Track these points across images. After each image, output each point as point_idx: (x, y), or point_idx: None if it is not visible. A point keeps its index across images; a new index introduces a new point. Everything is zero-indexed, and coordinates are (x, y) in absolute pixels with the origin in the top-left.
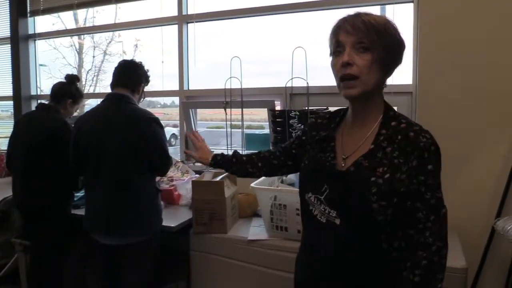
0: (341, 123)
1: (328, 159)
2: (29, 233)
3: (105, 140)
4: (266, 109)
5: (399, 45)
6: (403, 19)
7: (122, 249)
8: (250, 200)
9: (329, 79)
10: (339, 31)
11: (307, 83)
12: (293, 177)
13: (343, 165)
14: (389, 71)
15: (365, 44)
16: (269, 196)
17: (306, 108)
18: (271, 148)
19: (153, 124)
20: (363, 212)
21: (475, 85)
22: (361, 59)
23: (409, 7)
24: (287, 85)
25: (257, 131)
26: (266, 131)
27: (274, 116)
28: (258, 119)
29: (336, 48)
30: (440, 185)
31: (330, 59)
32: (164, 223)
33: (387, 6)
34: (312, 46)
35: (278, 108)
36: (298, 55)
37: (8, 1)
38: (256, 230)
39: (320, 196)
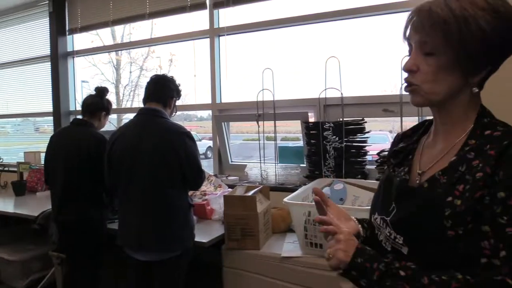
0: (425, 134)
1: (400, 174)
2: (65, 246)
3: (138, 155)
4: (299, 121)
5: (491, 38)
6: None
7: (154, 264)
8: (284, 214)
9: (364, 89)
10: (409, 24)
11: (341, 93)
12: (327, 191)
13: (417, 181)
14: (476, 71)
15: (428, 46)
16: (302, 212)
17: (341, 119)
18: (304, 161)
19: (185, 138)
20: (434, 239)
21: None
22: (425, 63)
23: None
24: (320, 96)
25: (290, 144)
26: (300, 143)
27: (308, 128)
28: (294, 131)
29: (409, 46)
30: None
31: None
32: (197, 238)
33: None
34: (346, 56)
35: (311, 120)
36: (332, 65)
37: (48, 21)
38: (289, 247)
39: (386, 217)
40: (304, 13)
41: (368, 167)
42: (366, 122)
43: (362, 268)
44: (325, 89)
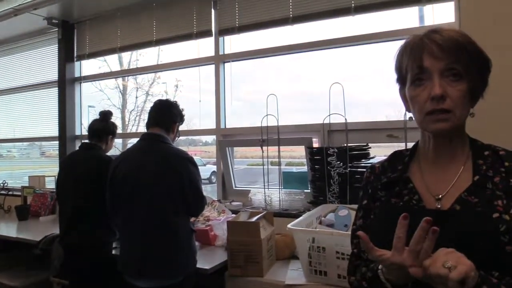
0: (411, 162)
1: (411, 203)
2: (69, 271)
3: (140, 180)
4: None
5: (489, 64)
6: (442, 19)
7: None
8: (288, 241)
9: (367, 115)
10: (423, 53)
11: (345, 119)
12: (331, 217)
13: (438, 206)
14: (478, 98)
15: (457, 71)
16: (306, 238)
17: (345, 145)
18: (309, 186)
19: (187, 164)
20: (491, 257)
21: None
22: (454, 89)
23: (450, 6)
24: (324, 122)
25: (294, 169)
26: (304, 168)
27: (312, 154)
28: (299, 156)
29: (418, 75)
30: None
31: (398, 87)
32: (199, 265)
33: (425, 7)
34: (350, 81)
35: (316, 145)
36: (336, 91)
37: (56, 47)
38: (293, 274)
39: None
40: (307, 40)
41: None
42: (370, 147)
43: (491, 282)
44: (329, 115)
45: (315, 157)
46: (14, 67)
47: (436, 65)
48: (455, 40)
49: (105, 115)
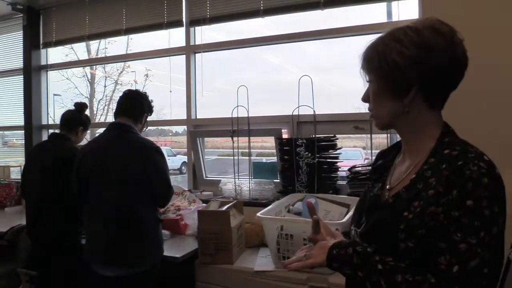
0: (399, 153)
1: (374, 189)
2: (38, 262)
3: (106, 169)
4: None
5: (403, 66)
6: (407, 15)
7: (121, 281)
8: (257, 229)
9: (335, 107)
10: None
11: (314, 111)
12: (299, 206)
13: (386, 196)
14: (402, 94)
15: (367, 78)
16: (275, 226)
17: (313, 136)
18: (278, 176)
19: (154, 153)
20: (390, 251)
21: (486, 88)
22: (370, 92)
23: (415, 2)
24: (294, 113)
25: (264, 159)
26: (274, 159)
27: (281, 144)
28: (270, 147)
29: None
30: (483, 231)
31: None
32: (169, 254)
33: (393, 3)
34: (319, 74)
35: (285, 136)
36: (305, 83)
37: (22, 34)
38: (262, 261)
39: (357, 229)
40: (278, 33)
41: (339, 182)
42: (337, 138)
43: (339, 257)
44: (298, 107)
45: (285, 148)
46: None
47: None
48: (365, 51)
49: (81, 107)
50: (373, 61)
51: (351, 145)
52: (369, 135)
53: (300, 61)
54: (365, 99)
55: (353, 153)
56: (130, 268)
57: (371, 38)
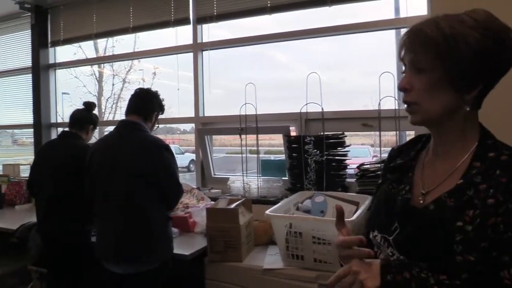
0: (423, 150)
1: (401, 192)
2: (47, 259)
3: (114, 167)
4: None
5: (480, 56)
6: (415, 11)
7: (132, 278)
8: (266, 227)
9: (344, 104)
10: (402, 46)
11: (322, 108)
12: (308, 203)
13: (421, 201)
14: (468, 88)
15: (420, 65)
16: (284, 224)
17: (322, 133)
18: (286, 174)
19: (163, 151)
20: (441, 262)
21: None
22: (419, 81)
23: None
24: (302, 111)
25: (272, 157)
26: (282, 156)
27: (290, 142)
28: (278, 144)
29: (404, 67)
30: None
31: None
32: (178, 251)
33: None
34: (327, 71)
35: (293, 133)
36: (313, 80)
37: (30, 32)
38: (271, 259)
39: (388, 237)
40: (286, 30)
41: (348, 180)
42: (346, 136)
43: (396, 284)
44: (306, 104)
45: (293, 145)
46: None
47: (406, 57)
48: (422, 32)
49: (90, 106)
50: (437, 46)
51: (359, 142)
52: (377, 132)
53: (308, 58)
54: (406, 87)
55: (362, 150)
56: (140, 266)
57: (378, 34)
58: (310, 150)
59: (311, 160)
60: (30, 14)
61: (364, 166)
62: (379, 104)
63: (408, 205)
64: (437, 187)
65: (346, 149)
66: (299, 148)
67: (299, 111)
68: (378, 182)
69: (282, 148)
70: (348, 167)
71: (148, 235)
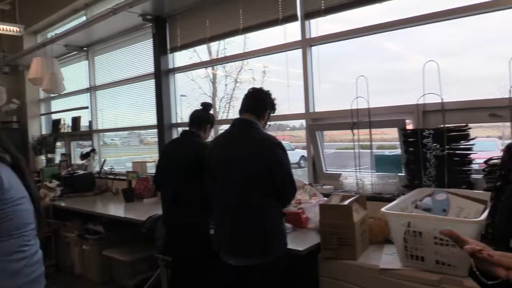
0: None
1: None
2: (172, 249)
3: (231, 163)
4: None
5: None
6: None
7: (247, 270)
8: (382, 225)
9: (465, 94)
10: None
11: (442, 98)
12: (428, 201)
13: None
14: None
15: None
16: (401, 222)
17: (442, 125)
18: (403, 169)
19: (277, 149)
20: None
21: None
22: None
23: None
24: (419, 102)
25: (387, 152)
26: (398, 151)
27: (406, 136)
28: (390, 139)
29: None
30: None
31: None
32: (292, 247)
33: None
34: (445, 59)
35: (409, 127)
36: (430, 70)
37: (151, 41)
38: (388, 258)
39: None
40: (397, 18)
41: (474, 176)
42: (470, 128)
43: None
44: (424, 95)
45: (409, 140)
46: (115, 63)
47: None
48: None
49: (207, 106)
50: None
51: (483, 134)
52: (506, 123)
53: (423, 47)
54: None
55: (488, 143)
56: (253, 259)
57: (502, 15)
58: (429, 144)
59: (430, 155)
60: (151, 24)
61: (493, 161)
62: (510, 91)
63: None
64: None
65: (471, 142)
66: (416, 142)
67: (415, 103)
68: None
69: (395, 143)
70: (473, 162)
71: (262, 231)
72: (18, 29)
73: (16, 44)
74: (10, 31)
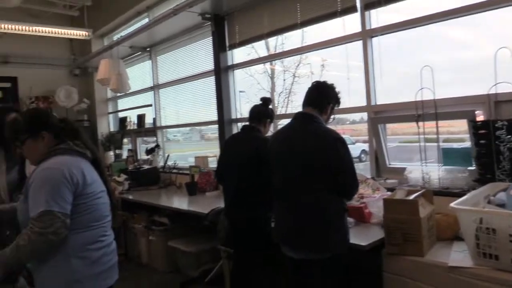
0: None
1: None
2: (234, 241)
3: (290, 157)
4: (465, 120)
5: None
6: None
7: (307, 263)
8: (450, 221)
9: None
10: None
11: None
12: (502, 196)
13: None
14: None
15: None
16: (472, 218)
17: None
18: (473, 163)
19: (338, 143)
20: None
21: None
22: None
23: None
24: (490, 92)
25: (455, 145)
26: (467, 144)
27: (476, 128)
28: (457, 131)
29: None
30: None
31: None
32: (355, 241)
33: None
34: None
35: (480, 118)
36: (502, 57)
37: (211, 39)
38: (458, 256)
39: None
40: (462, 4)
41: None
42: None
43: None
44: (496, 84)
45: (480, 132)
46: (176, 61)
47: None
48: None
49: (266, 101)
50: None
51: None
52: None
53: (494, 33)
54: None
55: None
56: (313, 253)
57: None
58: (503, 136)
59: (504, 148)
60: (210, 23)
61: None
62: None
63: None
64: None
65: None
66: (488, 134)
67: (486, 93)
68: None
69: (462, 136)
70: None
71: (322, 225)
72: (87, 34)
73: (85, 47)
74: (79, 35)
